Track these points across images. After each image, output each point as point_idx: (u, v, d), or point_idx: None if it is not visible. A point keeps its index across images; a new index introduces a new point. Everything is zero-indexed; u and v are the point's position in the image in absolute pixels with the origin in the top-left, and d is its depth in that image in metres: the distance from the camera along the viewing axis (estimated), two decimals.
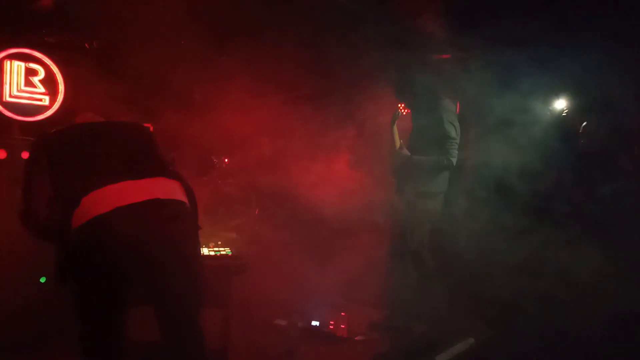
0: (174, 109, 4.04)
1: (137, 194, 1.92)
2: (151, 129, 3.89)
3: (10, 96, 3.58)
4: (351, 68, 4.43)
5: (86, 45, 3.74)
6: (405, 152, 3.71)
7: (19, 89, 3.61)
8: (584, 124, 4.34)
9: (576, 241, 3.77)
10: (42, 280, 3.17)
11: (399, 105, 3.81)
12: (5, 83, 3.55)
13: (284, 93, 4.49)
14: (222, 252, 2.82)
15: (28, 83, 3.64)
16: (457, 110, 4.97)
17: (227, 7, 3.98)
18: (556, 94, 4.72)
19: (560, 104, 4.81)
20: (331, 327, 3.48)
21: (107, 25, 3.58)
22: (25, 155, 3.26)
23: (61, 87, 3.75)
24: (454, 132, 3.53)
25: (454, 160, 3.53)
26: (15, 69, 3.60)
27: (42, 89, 3.71)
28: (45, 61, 3.68)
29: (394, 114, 3.79)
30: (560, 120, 4.76)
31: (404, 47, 4.14)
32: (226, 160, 4.72)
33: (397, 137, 3.76)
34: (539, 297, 3.65)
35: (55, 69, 3.72)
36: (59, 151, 2.04)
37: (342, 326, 3.48)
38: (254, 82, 4.28)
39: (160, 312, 2.02)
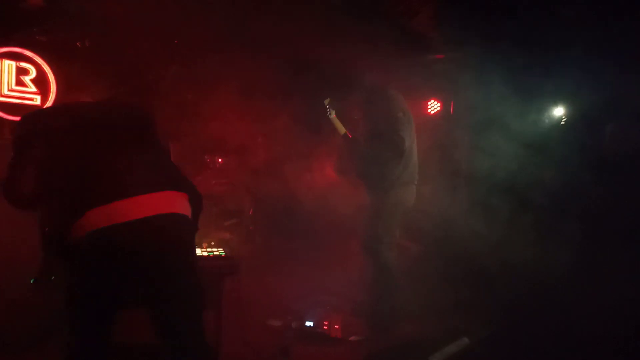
0: (167, 108, 4.01)
1: (142, 209, 1.89)
2: None
3: (1, 95, 3.54)
4: (344, 67, 4.42)
5: (77, 44, 3.71)
6: (353, 138, 3.70)
7: (9, 88, 3.58)
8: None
9: (579, 240, 3.79)
10: (32, 281, 3.14)
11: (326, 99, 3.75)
12: None
13: (277, 93, 4.47)
14: (215, 253, 2.81)
15: (19, 82, 3.61)
16: (451, 110, 5.01)
17: (222, 5, 3.96)
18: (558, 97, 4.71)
19: (563, 107, 4.79)
20: (325, 327, 3.48)
21: (99, 24, 3.54)
22: None
23: (53, 87, 3.71)
24: (401, 114, 3.51)
25: (407, 140, 3.48)
26: (6, 68, 3.56)
27: (33, 89, 3.67)
28: (37, 60, 3.65)
29: (325, 103, 3.71)
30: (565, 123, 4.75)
31: (398, 47, 4.13)
32: (220, 160, 4.71)
33: (338, 124, 3.72)
34: (536, 297, 3.66)
35: (46, 68, 3.68)
36: (57, 140, 1.95)
37: (336, 326, 3.48)
38: (248, 82, 4.27)
39: (162, 321, 2.01)
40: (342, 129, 3.73)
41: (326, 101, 3.70)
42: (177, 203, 2.02)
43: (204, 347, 2.08)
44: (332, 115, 3.71)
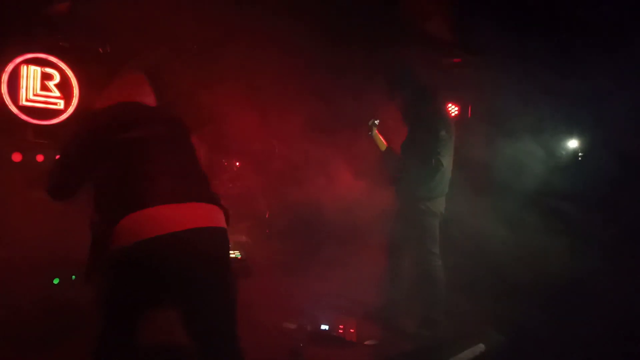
0: (185, 111, 4.06)
1: (188, 219, 1.90)
2: None
3: (27, 100, 3.64)
4: (362, 71, 4.43)
5: (100, 49, 3.79)
6: (393, 153, 3.74)
7: (34, 93, 3.68)
8: None
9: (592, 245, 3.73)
10: (56, 281, 3.22)
11: (373, 119, 3.83)
12: (22, 87, 3.61)
13: (296, 97, 4.50)
14: (231, 255, 2.83)
15: (44, 87, 3.71)
16: (469, 114, 4.97)
17: (243, 10, 4.01)
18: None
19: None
20: (340, 331, 3.47)
21: (120, 30, 3.62)
22: (39, 158, 3.32)
23: (76, 91, 3.81)
24: (444, 132, 3.50)
25: (445, 162, 3.50)
26: (32, 74, 3.66)
27: (57, 93, 3.77)
28: (61, 65, 3.74)
29: (369, 124, 3.82)
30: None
31: (415, 49, 4.12)
32: (237, 163, 4.76)
33: (379, 140, 3.81)
34: (552, 304, 3.61)
35: (70, 73, 3.78)
36: (107, 139, 1.97)
37: (352, 330, 3.47)
38: (267, 86, 4.31)
39: (198, 327, 2.03)
40: (382, 146, 3.82)
41: (370, 122, 3.81)
42: (218, 216, 2.05)
43: (237, 353, 2.11)
44: (374, 131, 3.81)
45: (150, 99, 2.27)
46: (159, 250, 1.83)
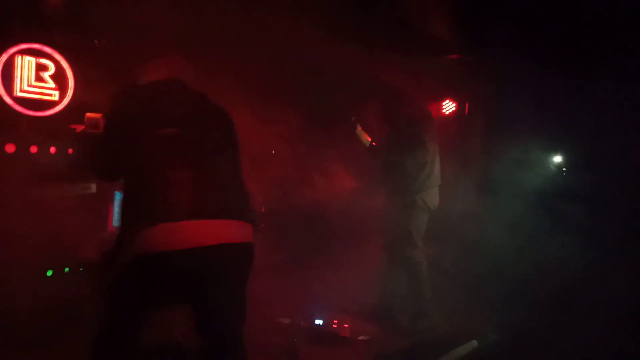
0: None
1: (212, 236, 1.88)
2: None
3: (21, 91, 3.60)
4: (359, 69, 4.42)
5: (95, 41, 3.76)
6: (377, 148, 3.83)
7: (29, 84, 3.64)
8: None
9: (588, 245, 3.74)
10: (49, 273, 3.20)
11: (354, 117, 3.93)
12: (16, 78, 3.58)
13: (289, 95, 4.49)
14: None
15: (38, 78, 3.68)
16: (466, 110, 4.97)
17: (237, 6, 3.98)
18: None
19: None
20: (334, 326, 3.49)
21: (117, 22, 3.59)
22: (33, 149, 3.30)
23: (71, 83, 3.77)
24: (425, 124, 3.60)
25: (430, 150, 3.57)
26: (27, 64, 3.63)
27: (52, 84, 3.73)
28: (56, 57, 3.71)
29: (353, 119, 3.92)
30: None
31: (412, 48, 4.12)
32: None
33: (363, 137, 3.91)
34: (547, 302, 3.62)
35: (65, 64, 3.75)
36: (145, 134, 1.88)
37: (346, 325, 3.48)
38: (262, 84, 4.29)
39: (210, 332, 2.06)
40: (366, 142, 3.91)
41: (353, 119, 3.92)
42: (244, 231, 2.02)
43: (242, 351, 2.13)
44: (358, 128, 3.92)
45: (192, 78, 2.16)
46: (181, 262, 1.83)
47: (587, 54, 4.16)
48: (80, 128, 3.25)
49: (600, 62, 4.00)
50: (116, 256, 1.88)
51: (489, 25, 4.22)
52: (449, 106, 5.03)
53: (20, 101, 3.59)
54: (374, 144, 3.88)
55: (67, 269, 3.14)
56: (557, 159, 5.03)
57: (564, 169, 4.75)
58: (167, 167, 1.88)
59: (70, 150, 3.59)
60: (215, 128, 2.06)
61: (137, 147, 1.89)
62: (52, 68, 3.71)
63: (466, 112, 4.95)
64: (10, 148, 3.28)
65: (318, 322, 3.50)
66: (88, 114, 3.24)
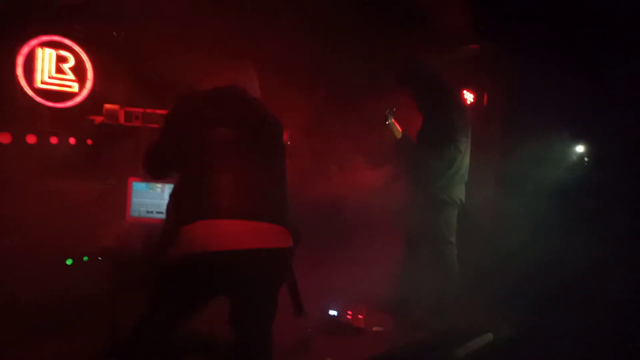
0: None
1: (252, 240, 1.91)
2: None
3: (42, 82, 3.68)
4: (373, 61, 4.38)
5: (114, 33, 3.81)
6: (410, 143, 3.70)
7: (49, 75, 3.72)
8: None
9: (605, 237, 3.67)
10: (69, 262, 3.27)
11: (390, 107, 3.79)
12: (37, 70, 3.65)
13: (308, 86, 4.48)
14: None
15: (58, 70, 3.74)
16: (485, 102, 4.90)
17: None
18: None
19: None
20: (349, 317, 3.48)
21: (135, 14, 3.62)
22: (54, 140, 3.36)
23: (90, 74, 3.84)
24: (460, 122, 3.46)
25: (462, 149, 3.46)
26: (47, 57, 3.70)
27: (71, 76, 3.80)
28: (75, 49, 3.77)
29: (387, 112, 3.76)
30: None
31: (428, 38, 4.07)
32: None
33: (395, 128, 3.78)
34: (564, 297, 3.57)
35: (84, 56, 3.81)
36: (203, 124, 1.95)
37: (360, 317, 3.48)
38: (279, 76, 4.28)
39: (243, 329, 2.10)
40: (398, 133, 3.79)
41: (387, 111, 3.77)
42: (281, 237, 2.03)
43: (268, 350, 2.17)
44: (391, 120, 3.77)
45: (255, 87, 2.20)
46: (217, 264, 1.86)
47: (609, 46, 4.05)
48: (99, 119, 3.31)
49: (623, 55, 3.89)
50: (161, 251, 1.92)
51: (509, 14, 4.14)
52: (467, 97, 4.96)
53: (41, 92, 3.67)
54: (407, 135, 3.76)
55: (86, 258, 3.20)
56: (577, 153, 4.93)
57: (585, 160, 4.64)
58: (217, 169, 1.93)
59: (89, 141, 3.65)
60: (266, 135, 2.09)
61: (191, 149, 1.95)
62: (71, 60, 3.78)
63: (485, 103, 4.88)
64: (31, 139, 3.35)
65: (332, 312, 3.50)
66: (106, 105, 3.30)
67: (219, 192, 1.89)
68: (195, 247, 1.84)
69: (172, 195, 2.01)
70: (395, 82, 3.70)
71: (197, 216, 1.85)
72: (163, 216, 2.13)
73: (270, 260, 1.99)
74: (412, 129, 3.75)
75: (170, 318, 1.97)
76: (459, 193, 3.64)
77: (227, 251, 1.85)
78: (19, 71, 3.55)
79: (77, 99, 3.81)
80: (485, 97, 4.88)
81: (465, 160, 3.60)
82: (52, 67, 3.72)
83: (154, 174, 2.18)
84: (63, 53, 3.73)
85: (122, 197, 2.84)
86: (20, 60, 3.56)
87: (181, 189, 1.98)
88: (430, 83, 3.57)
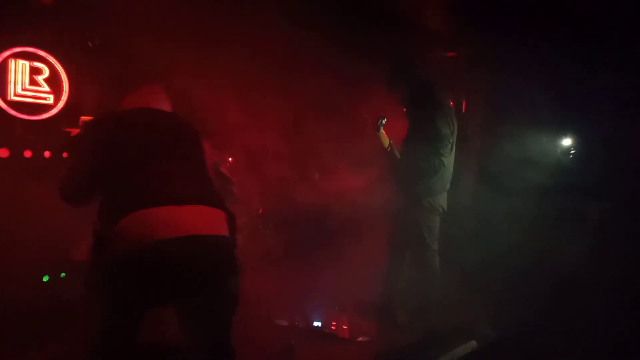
0: (177, 106, 4.02)
1: (186, 226, 1.88)
2: None
3: (15, 95, 3.58)
4: (355, 67, 4.39)
5: (89, 43, 3.74)
6: (395, 153, 3.74)
7: (23, 87, 3.62)
8: None
9: (586, 243, 3.72)
10: (45, 279, 3.19)
11: (380, 117, 3.82)
12: (10, 82, 3.55)
13: (289, 90, 4.47)
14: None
15: (32, 82, 3.65)
16: (463, 109, 4.95)
17: (237, 5, 3.97)
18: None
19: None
20: (333, 327, 3.47)
21: (110, 23, 3.57)
22: (27, 154, 3.28)
23: (65, 86, 3.75)
24: (447, 130, 3.47)
25: (445, 161, 3.49)
26: (20, 68, 3.61)
27: (46, 88, 3.71)
28: (50, 60, 3.69)
29: (378, 121, 3.80)
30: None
31: (409, 45, 4.09)
32: (230, 159, 4.71)
33: (384, 138, 3.82)
34: (547, 301, 3.60)
35: (59, 67, 3.72)
36: (117, 142, 2.02)
37: (344, 327, 3.46)
38: (259, 79, 4.26)
39: (192, 324, 2.06)
40: (386, 143, 3.83)
41: (379, 121, 3.81)
42: (221, 222, 2.03)
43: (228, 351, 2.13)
44: (381, 130, 3.82)
45: (165, 106, 2.33)
46: (158, 254, 1.81)
47: (586, 47, 4.13)
48: (75, 132, 3.23)
49: (600, 55, 3.97)
50: (97, 255, 1.89)
51: (485, 21, 4.19)
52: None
53: (15, 105, 3.57)
54: (393, 144, 3.80)
55: (63, 274, 3.12)
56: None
57: (571, 152, 4.69)
58: (141, 170, 1.97)
59: (65, 154, 3.57)
60: (181, 138, 2.21)
61: (113, 161, 1.99)
62: (46, 71, 3.69)
63: (463, 110, 4.93)
64: (3, 153, 3.26)
65: (316, 323, 3.48)
66: (83, 118, 3.23)
67: (147, 186, 1.93)
68: (134, 239, 1.81)
69: (101, 203, 1.99)
70: (386, 83, 3.72)
71: (129, 210, 1.84)
72: None
73: (216, 246, 1.97)
74: (399, 136, 3.78)
75: (126, 323, 1.92)
76: (441, 200, 3.66)
77: (166, 239, 1.82)
78: None
79: (53, 111, 3.72)
80: (464, 103, 4.94)
81: (448, 168, 3.62)
82: (26, 79, 3.63)
83: (78, 200, 2.14)
84: (37, 64, 3.65)
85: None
86: None
87: (108, 198, 1.97)
88: (421, 86, 3.59)
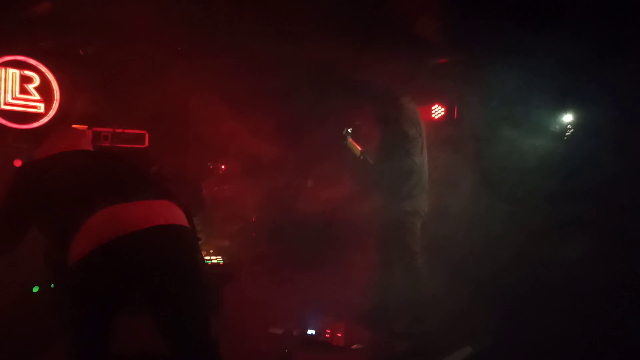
0: (170, 115, 4.02)
1: (140, 220, 1.88)
2: (147, 135, 3.89)
3: (5, 104, 3.57)
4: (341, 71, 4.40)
5: (80, 52, 3.73)
6: (369, 160, 3.81)
7: (14, 96, 3.60)
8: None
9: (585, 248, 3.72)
10: (35, 289, 3.15)
11: (346, 127, 3.92)
12: (0, 91, 3.54)
13: (280, 99, 4.47)
14: (214, 261, 2.80)
15: (23, 90, 3.64)
16: (455, 115, 4.96)
17: (225, 13, 3.97)
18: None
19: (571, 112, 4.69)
20: (327, 335, 3.45)
21: (101, 32, 3.56)
22: (18, 163, 3.25)
23: (56, 95, 3.73)
24: (414, 131, 3.53)
25: (417, 160, 3.54)
26: (10, 77, 3.59)
27: (37, 97, 3.69)
28: (40, 68, 3.67)
29: (343, 133, 3.89)
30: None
31: (400, 52, 4.10)
32: (223, 167, 4.71)
33: (354, 147, 3.89)
34: (542, 306, 3.60)
35: (50, 76, 3.71)
36: (50, 180, 2.03)
37: (339, 335, 3.45)
38: (251, 88, 4.27)
39: (167, 326, 1.99)
40: (357, 152, 3.90)
41: (344, 131, 3.89)
42: (174, 212, 2.02)
43: (212, 348, 2.06)
44: (349, 140, 3.90)
45: (87, 142, 2.36)
46: (116, 253, 1.81)
47: (578, 51, 4.16)
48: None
49: (593, 59, 3.99)
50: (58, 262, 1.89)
51: (477, 27, 4.22)
52: (437, 111, 5.03)
53: (5, 114, 3.55)
54: (365, 152, 3.86)
55: (53, 285, 3.08)
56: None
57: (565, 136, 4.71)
58: (71, 187, 2.01)
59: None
60: (112, 159, 2.29)
61: (47, 202, 2.00)
62: (37, 80, 3.67)
63: (455, 116, 4.95)
64: None
65: (311, 331, 3.46)
66: (74, 126, 3.21)
67: (92, 193, 1.96)
68: (98, 238, 1.80)
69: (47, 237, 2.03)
70: (350, 94, 3.82)
71: (79, 226, 1.83)
72: None
73: (176, 236, 1.97)
74: (372, 145, 3.83)
75: (98, 331, 1.91)
76: (421, 202, 3.68)
77: (129, 234, 1.83)
78: None
79: (44, 120, 3.70)
80: (456, 109, 4.96)
81: (424, 170, 3.66)
82: (17, 88, 3.61)
83: (10, 245, 2.17)
84: (28, 73, 3.63)
85: None
86: None
87: (52, 225, 1.98)
88: (379, 94, 3.66)
